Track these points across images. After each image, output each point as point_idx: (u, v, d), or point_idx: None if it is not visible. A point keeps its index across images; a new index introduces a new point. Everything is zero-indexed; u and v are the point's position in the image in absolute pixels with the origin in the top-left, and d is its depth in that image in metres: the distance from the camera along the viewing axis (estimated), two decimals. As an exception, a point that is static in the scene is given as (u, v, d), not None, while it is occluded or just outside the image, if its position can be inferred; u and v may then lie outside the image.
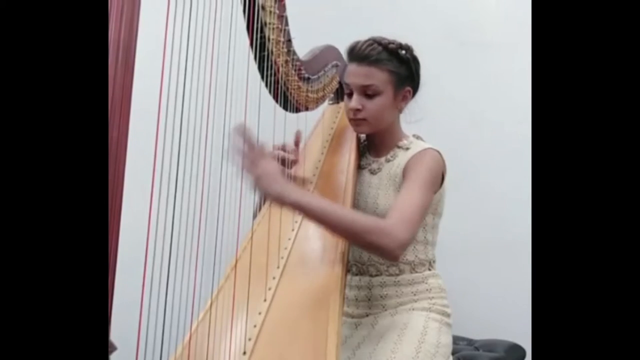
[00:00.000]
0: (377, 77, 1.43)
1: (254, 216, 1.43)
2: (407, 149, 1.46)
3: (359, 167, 1.53)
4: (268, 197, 1.27)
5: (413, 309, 1.41)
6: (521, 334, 1.80)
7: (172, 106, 0.87)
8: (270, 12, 1.26)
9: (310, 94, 1.47)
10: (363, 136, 1.58)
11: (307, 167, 1.50)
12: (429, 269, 1.45)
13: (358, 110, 1.44)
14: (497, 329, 2.13)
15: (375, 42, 1.45)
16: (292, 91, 1.40)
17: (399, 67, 1.45)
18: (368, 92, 1.44)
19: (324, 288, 1.19)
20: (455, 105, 2.39)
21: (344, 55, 1.50)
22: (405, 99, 1.49)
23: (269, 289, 1.19)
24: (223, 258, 1.25)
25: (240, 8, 1.23)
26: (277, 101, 1.38)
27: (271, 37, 1.28)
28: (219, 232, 1.16)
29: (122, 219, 0.78)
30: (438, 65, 2.18)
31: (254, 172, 1.21)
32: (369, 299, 1.45)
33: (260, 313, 1.14)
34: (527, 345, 2.00)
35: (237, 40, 1.15)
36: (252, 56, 1.27)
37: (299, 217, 1.37)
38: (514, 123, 2.25)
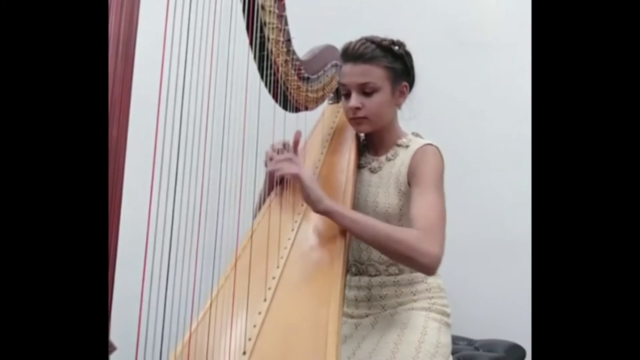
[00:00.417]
0: (374, 73, 1.43)
1: (254, 216, 1.43)
2: (407, 146, 1.46)
3: (359, 166, 1.53)
4: (308, 198, 1.28)
5: (413, 309, 1.41)
6: (521, 334, 1.79)
7: (172, 100, 0.87)
8: (270, 11, 1.26)
9: (309, 94, 1.47)
10: (362, 135, 1.59)
11: (307, 166, 1.49)
12: (429, 269, 1.45)
13: (358, 108, 1.45)
14: (497, 329, 2.13)
15: (368, 40, 1.46)
16: (292, 91, 1.40)
17: (394, 62, 1.46)
18: (366, 90, 1.44)
19: (324, 288, 1.19)
20: (455, 105, 2.39)
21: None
22: (403, 95, 1.50)
23: (269, 288, 1.19)
24: (223, 252, 1.25)
25: (240, 8, 1.23)
26: (276, 101, 1.37)
27: (271, 36, 1.27)
28: (219, 226, 1.15)
29: (122, 212, 0.78)
30: (438, 65, 2.20)
31: (294, 170, 1.29)
32: (369, 299, 1.45)
33: (260, 313, 1.14)
34: (527, 345, 1.99)
35: (237, 35, 1.15)
36: (252, 55, 1.27)
37: (298, 217, 1.37)
38: (514, 123, 2.25)
